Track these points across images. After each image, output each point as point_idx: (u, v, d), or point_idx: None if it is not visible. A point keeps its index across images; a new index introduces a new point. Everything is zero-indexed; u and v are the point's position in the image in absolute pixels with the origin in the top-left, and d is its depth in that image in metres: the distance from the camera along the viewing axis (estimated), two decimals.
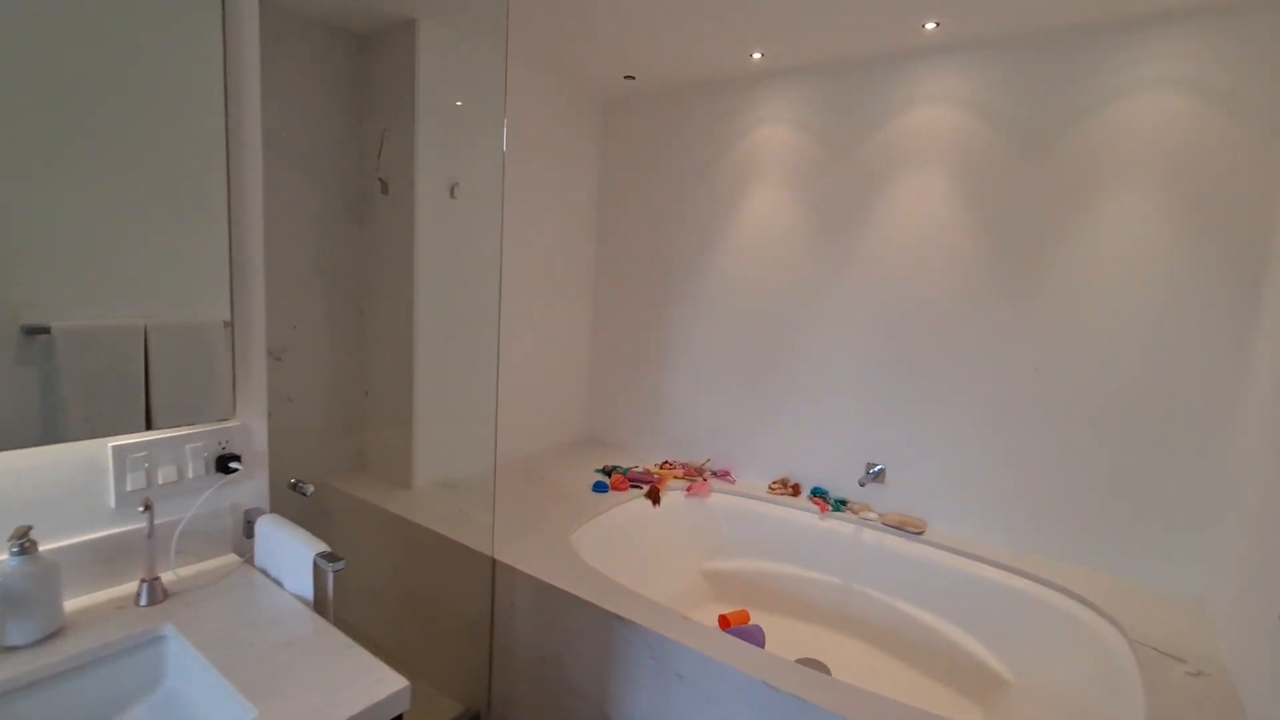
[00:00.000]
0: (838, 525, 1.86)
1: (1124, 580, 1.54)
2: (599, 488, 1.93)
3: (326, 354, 1.76)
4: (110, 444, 0.85)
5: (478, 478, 1.93)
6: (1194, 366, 1.45)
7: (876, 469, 1.86)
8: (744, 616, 1.85)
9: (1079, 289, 1.58)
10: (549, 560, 1.46)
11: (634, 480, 2.02)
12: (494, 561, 1.46)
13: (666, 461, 2.19)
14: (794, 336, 2.00)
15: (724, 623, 1.82)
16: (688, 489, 2.02)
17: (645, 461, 2.24)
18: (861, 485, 1.76)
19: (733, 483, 2.09)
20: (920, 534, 1.76)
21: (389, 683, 0.72)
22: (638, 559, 1.80)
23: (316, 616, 0.84)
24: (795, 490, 2.01)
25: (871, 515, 1.85)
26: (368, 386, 1.85)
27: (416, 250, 1.68)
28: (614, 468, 2.09)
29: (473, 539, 1.52)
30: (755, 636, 1.64)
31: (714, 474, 2.14)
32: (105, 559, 0.85)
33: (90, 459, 0.84)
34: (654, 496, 1.96)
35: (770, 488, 2.03)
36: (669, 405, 2.28)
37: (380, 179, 1.71)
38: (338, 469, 1.84)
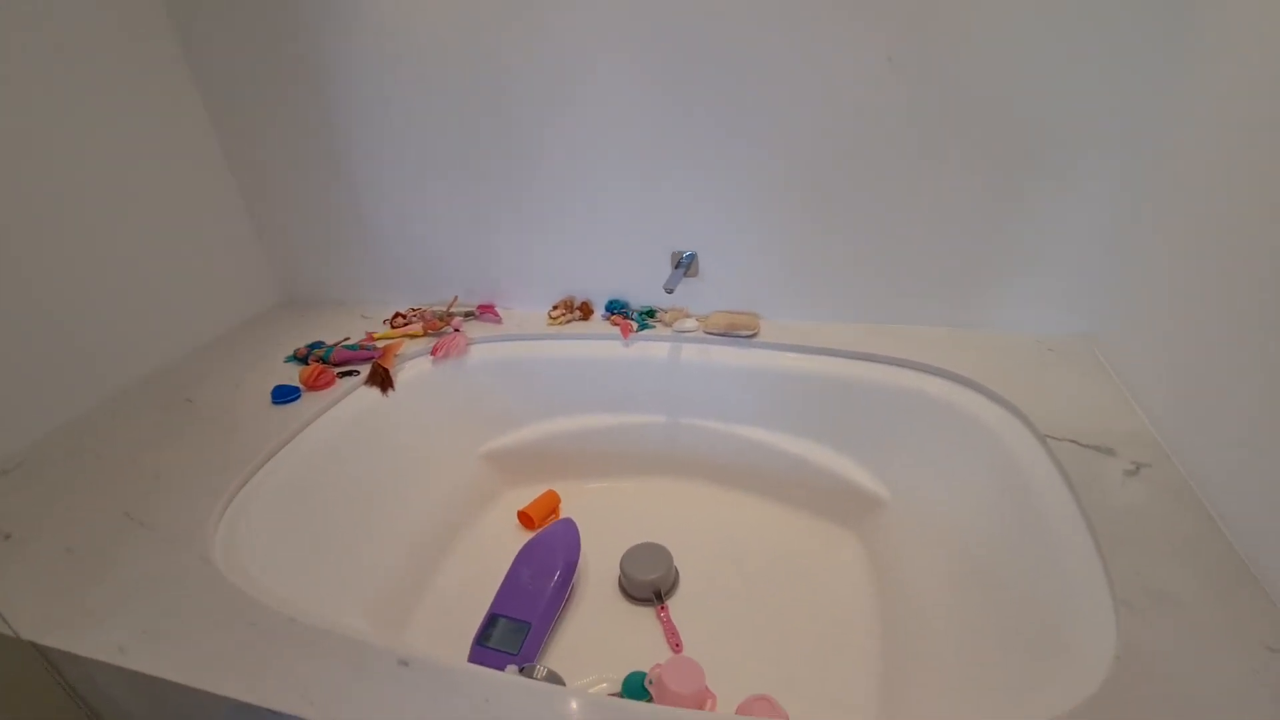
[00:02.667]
0: (649, 347, 1.34)
1: (1002, 338, 1.20)
2: (282, 396, 1.20)
3: None
4: None
5: (56, 440, 1.11)
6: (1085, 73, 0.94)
7: (687, 256, 1.30)
8: (550, 503, 1.36)
9: None
10: (159, 600, 0.78)
11: (342, 363, 1.30)
12: (37, 650, 0.75)
13: (398, 314, 1.46)
14: (531, 100, 1.22)
15: (527, 521, 1.32)
16: (433, 350, 1.35)
17: (374, 319, 1.50)
18: (670, 291, 1.20)
19: (499, 321, 1.44)
20: (754, 335, 1.28)
21: None
22: (371, 486, 1.17)
23: None
24: (586, 311, 1.42)
25: (690, 324, 1.33)
26: None
27: None
28: (313, 348, 1.34)
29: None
30: (561, 546, 1.15)
31: (470, 315, 1.46)
32: None
33: None
34: (381, 380, 1.28)
35: (551, 316, 1.42)
36: (379, 234, 1.47)
37: None
38: None
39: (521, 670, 0.89)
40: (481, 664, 1.00)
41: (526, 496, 1.37)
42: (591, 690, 0.99)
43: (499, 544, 1.26)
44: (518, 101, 1.23)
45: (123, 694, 0.77)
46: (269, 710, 0.65)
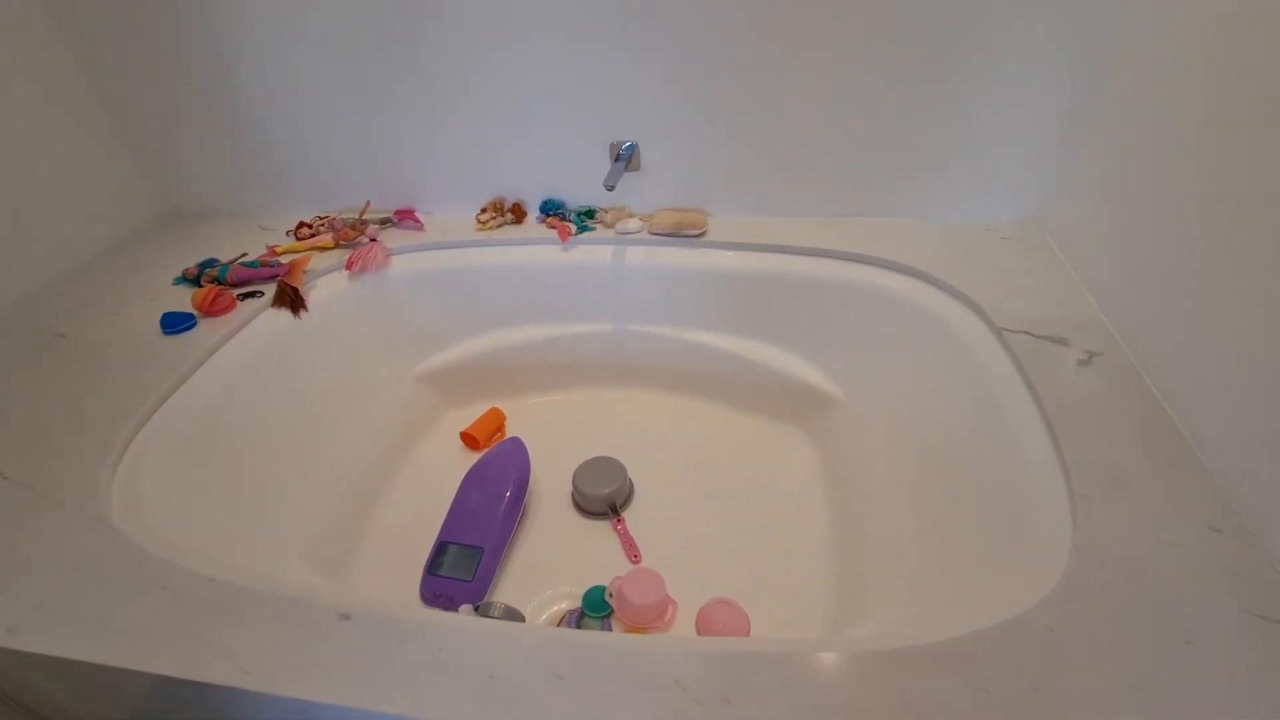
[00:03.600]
0: (590, 251, 1.24)
1: (955, 228, 1.16)
2: (174, 325, 1.05)
3: None
4: None
5: None
6: None
7: (626, 148, 1.17)
8: (495, 421, 1.29)
9: None
10: (51, 570, 0.69)
11: (241, 283, 1.15)
12: None
13: (303, 225, 1.29)
14: None
15: (472, 443, 1.25)
16: (348, 264, 1.21)
17: (276, 230, 1.32)
18: (610, 188, 1.08)
19: (421, 228, 1.30)
20: (702, 234, 1.20)
21: None
22: (294, 420, 1.07)
23: None
24: (518, 214, 1.29)
25: (633, 224, 1.22)
26: None
27: None
28: (205, 267, 1.17)
29: None
30: (510, 466, 1.10)
31: (387, 222, 1.31)
32: None
33: None
34: (291, 301, 1.14)
35: (479, 220, 1.28)
36: (271, 132, 1.26)
37: None
38: None
39: (477, 609, 0.86)
40: (434, 594, 0.97)
41: (469, 417, 1.30)
42: (553, 608, 0.98)
43: (444, 469, 1.20)
44: None
45: (35, 677, 0.68)
46: (197, 683, 0.59)
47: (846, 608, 0.92)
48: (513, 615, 0.87)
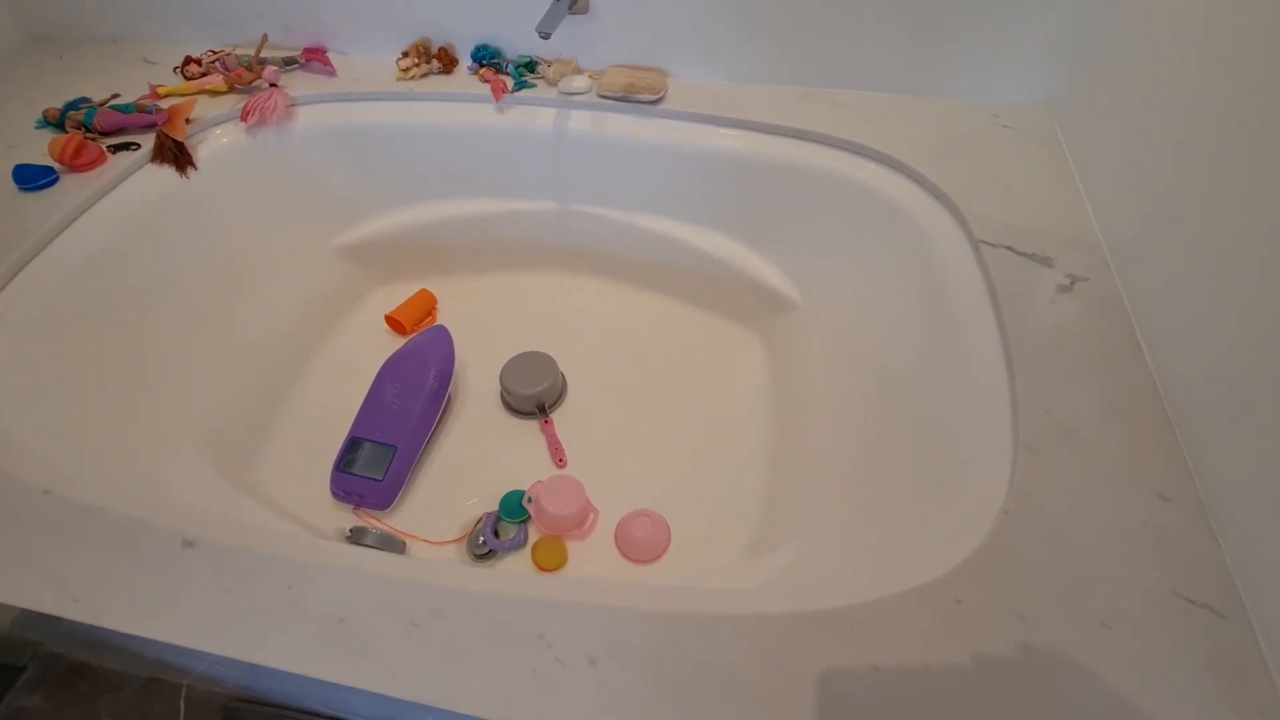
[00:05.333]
0: (530, 114, 1.06)
1: (953, 107, 0.99)
2: (30, 179, 0.89)
3: None
4: None
5: None
6: None
7: None
8: (425, 304, 1.18)
9: None
10: None
11: (113, 131, 0.97)
12: None
13: (190, 60, 1.08)
14: None
15: (398, 327, 1.16)
16: (242, 114, 1.03)
17: (163, 65, 1.11)
18: (545, 36, 0.89)
19: (332, 72, 1.10)
20: (659, 100, 1.02)
21: None
22: (185, 296, 0.96)
23: None
24: (446, 61, 1.09)
25: (579, 83, 1.04)
26: None
27: None
28: (71, 108, 0.99)
29: None
30: (433, 358, 1.01)
31: (292, 63, 1.10)
32: None
33: None
34: (175, 156, 0.97)
35: (401, 67, 1.08)
36: None
37: None
38: None
39: (351, 533, 0.81)
40: (345, 491, 0.92)
41: (396, 297, 1.18)
42: (469, 512, 0.94)
43: (366, 354, 1.10)
44: None
45: None
46: (23, 610, 0.53)
47: (771, 527, 0.88)
48: (390, 545, 0.82)
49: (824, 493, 0.83)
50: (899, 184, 0.91)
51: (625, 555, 0.88)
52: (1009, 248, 0.78)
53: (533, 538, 0.91)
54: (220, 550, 0.56)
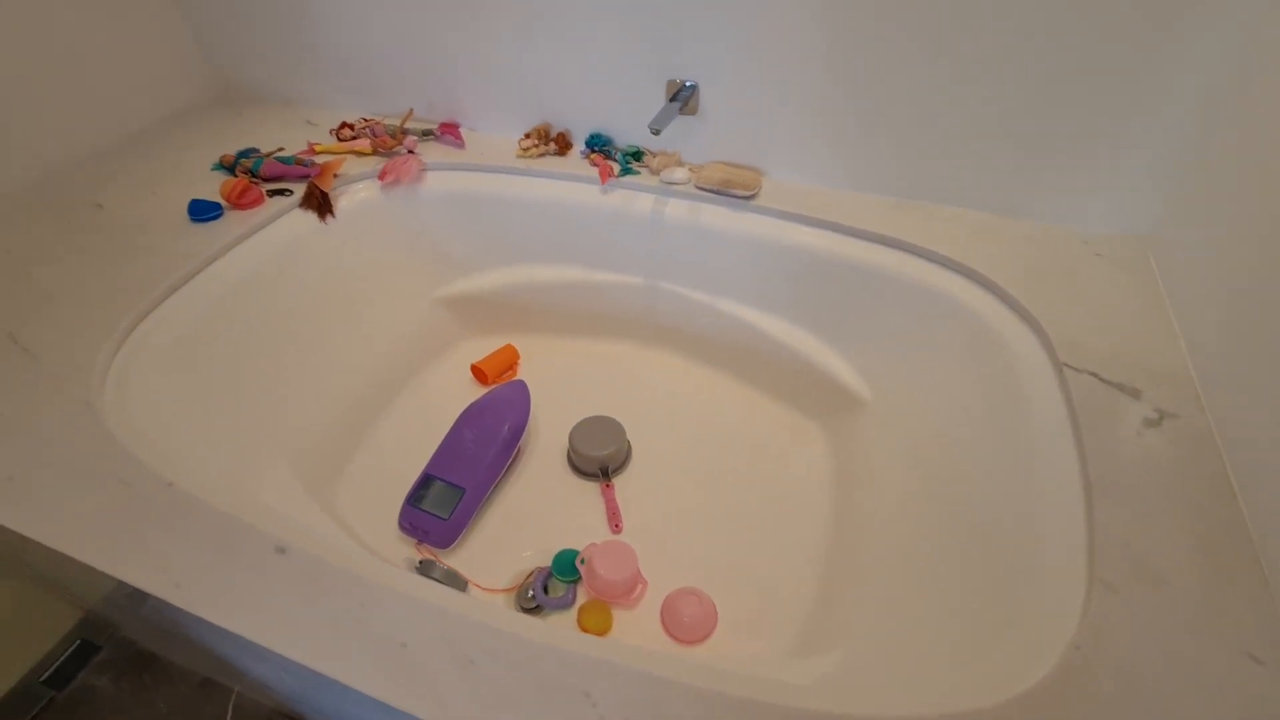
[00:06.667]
0: (630, 197, 1.15)
1: (1045, 231, 1.00)
2: (201, 212, 1.04)
3: None
4: None
5: None
6: None
7: (688, 87, 1.06)
8: (508, 358, 1.26)
9: None
10: (30, 443, 0.70)
11: (273, 178, 1.12)
12: None
13: (346, 125, 1.25)
14: None
15: (481, 376, 1.23)
16: (381, 174, 1.16)
17: (320, 127, 1.28)
18: (656, 132, 0.98)
19: (461, 145, 1.23)
20: (752, 196, 1.08)
21: None
22: (303, 327, 1.06)
23: None
24: (562, 144, 1.21)
25: (680, 174, 1.12)
26: None
27: None
28: (243, 155, 1.15)
29: None
30: (509, 410, 1.07)
31: (429, 135, 1.25)
32: None
33: None
34: (319, 204, 1.11)
35: (522, 145, 1.21)
36: (330, 22, 1.20)
37: None
38: None
39: (420, 566, 0.85)
40: (411, 525, 0.97)
41: (483, 349, 1.27)
42: (524, 554, 0.96)
43: (448, 397, 1.18)
44: None
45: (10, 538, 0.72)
46: (117, 587, 0.59)
47: (821, 624, 0.86)
48: (454, 580, 0.85)
49: (879, 597, 0.81)
50: (982, 298, 0.92)
51: (670, 632, 0.88)
52: (1094, 374, 0.77)
53: (580, 599, 0.92)
54: (307, 560, 0.61)
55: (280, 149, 1.19)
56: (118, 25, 1.19)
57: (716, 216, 1.11)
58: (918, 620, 0.73)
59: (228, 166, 1.15)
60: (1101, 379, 0.76)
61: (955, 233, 1.00)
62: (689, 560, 0.96)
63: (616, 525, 1.02)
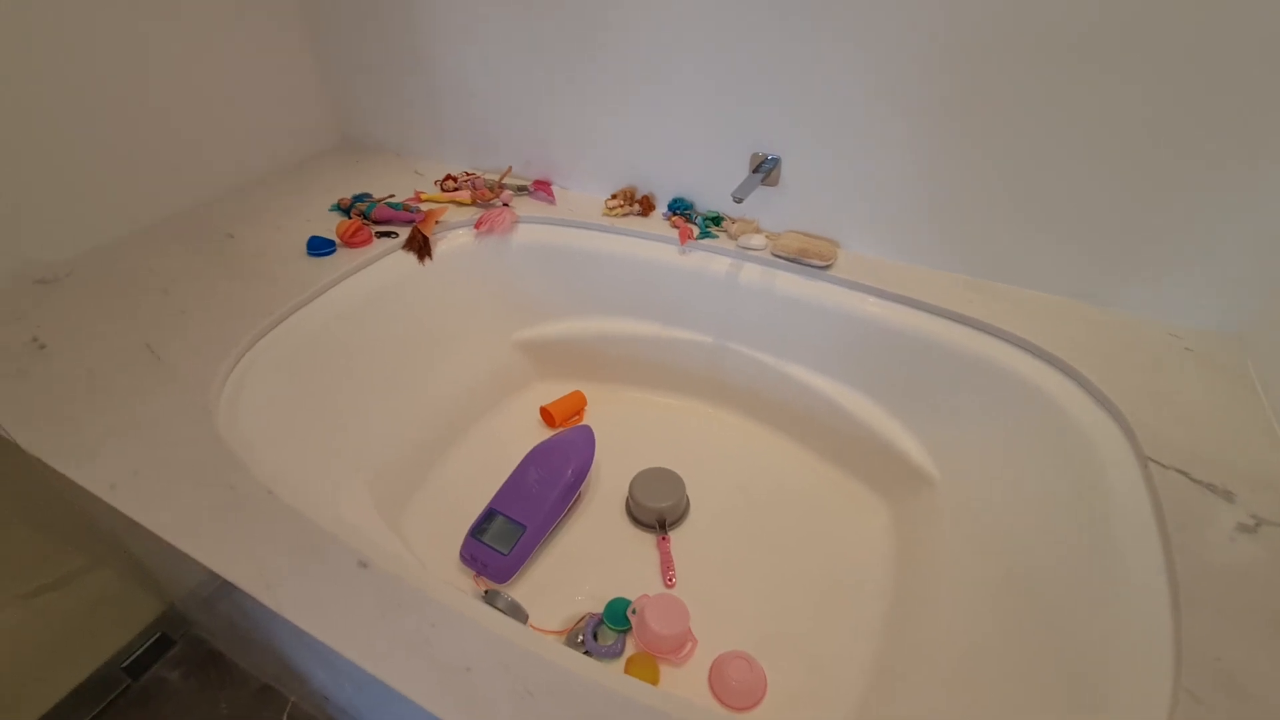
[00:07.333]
0: (707, 259, 1.19)
1: (1130, 321, 0.98)
2: (317, 248, 1.15)
3: None
4: None
5: (101, 256, 1.12)
6: None
7: (770, 160, 1.11)
8: (575, 404, 1.30)
9: None
10: (155, 442, 0.78)
11: (383, 221, 1.23)
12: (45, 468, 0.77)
13: (450, 177, 1.36)
14: None
15: (549, 419, 1.27)
16: (477, 223, 1.26)
17: (427, 177, 1.41)
18: (738, 201, 1.03)
19: (552, 201, 1.32)
20: (827, 267, 1.11)
21: None
22: (393, 357, 1.14)
23: None
24: (646, 207, 1.27)
25: (757, 241, 1.16)
26: None
27: None
28: (358, 199, 1.27)
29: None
30: (574, 454, 1.10)
31: (523, 190, 1.34)
32: None
33: None
34: (420, 247, 1.21)
35: (608, 205, 1.28)
36: (441, 85, 1.34)
37: None
38: None
39: (485, 594, 0.87)
40: (471, 556, 1.00)
41: (553, 392, 1.32)
42: (576, 598, 0.98)
43: (516, 436, 1.23)
44: None
45: (120, 527, 0.79)
46: (231, 584, 0.64)
47: (874, 708, 0.83)
48: (516, 611, 0.87)
49: (940, 688, 0.78)
50: (1061, 384, 0.91)
51: (717, 695, 0.87)
52: (1183, 472, 0.74)
53: (629, 650, 0.92)
54: (385, 577, 0.64)
55: (391, 195, 1.30)
56: (264, 84, 1.35)
57: (790, 283, 1.14)
58: (984, 706, 0.70)
59: (344, 208, 1.26)
60: (1191, 478, 0.73)
61: (1033, 316, 0.99)
62: (740, 623, 0.95)
63: (670, 579, 1.02)
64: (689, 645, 0.92)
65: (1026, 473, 0.90)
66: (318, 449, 0.94)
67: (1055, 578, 0.77)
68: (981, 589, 0.85)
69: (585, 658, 0.60)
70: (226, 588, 0.67)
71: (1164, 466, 0.75)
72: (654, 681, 0.88)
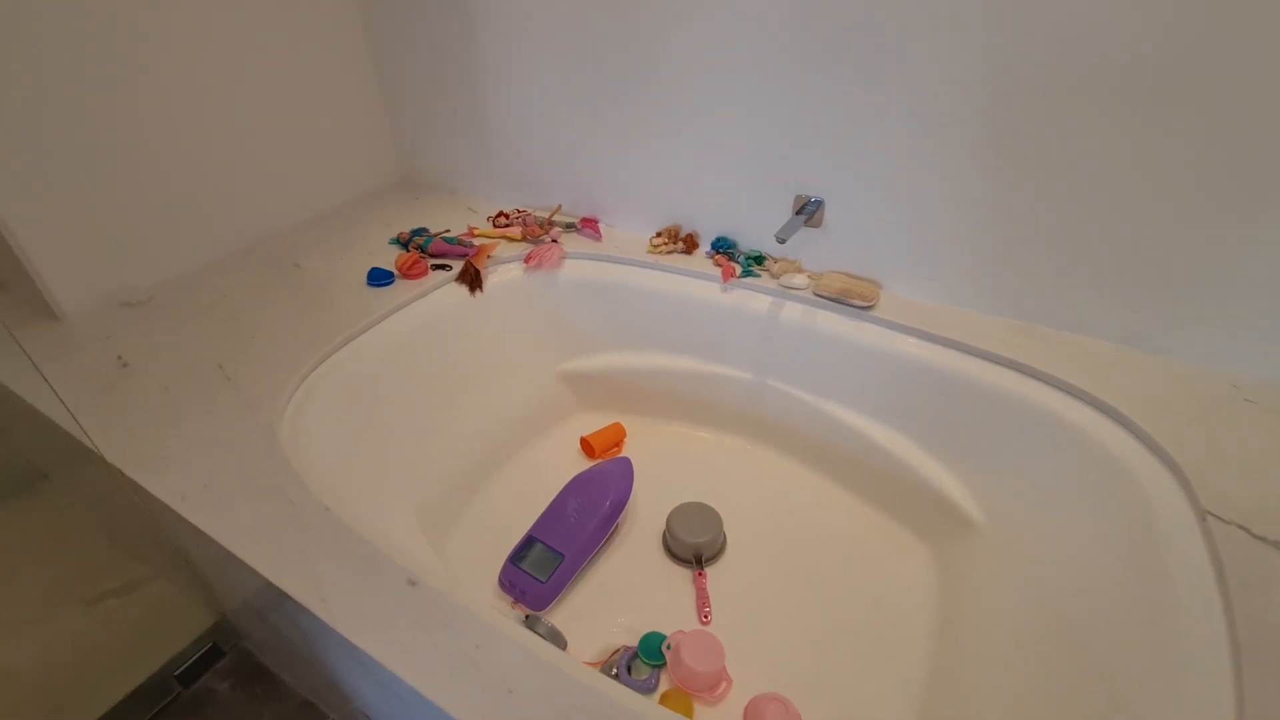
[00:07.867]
0: (749, 297, 1.21)
1: (1186, 370, 0.96)
2: (377, 279, 1.21)
3: None
4: None
5: (180, 283, 1.21)
6: None
7: (814, 202, 1.14)
8: (615, 435, 1.32)
9: None
10: (223, 456, 0.83)
11: (438, 255, 1.29)
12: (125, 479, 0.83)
13: (502, 214, 1.42)
14: (661, 7, 1.07)
15: (588, 450, 1.30)
16: (526, 258, 1.31)
17: (480, 213, 1.47)
18: (782, 241, 1.05)
19: (599, 238, 1.37)
20: (869, 307, 1.12)
21: None
22: (443, 384, 1.18)
23: None
24: (690, 244, 1.31)
25: (799, 280, 1.18)
26: None
27: None
28: (415, 234, 1.34)
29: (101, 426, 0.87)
30: (613, 485, 1.12)
31: (571, 227, 1.40)
32: None
33: None
34: (471, 280, 1.26)
35: (653, 243, 1.32)
36: (500, 128, 1.41)
37: None
38: None
39: (526, 619, 0.88)
40: (510, 582, 1.01)
41: (594, 424, 1.34)
42: (611, 629, 0.98)
43: (556, 465, 1.25)
44: (647, 6, 1.09)
45: (185, 537, 0.83)
46: (288, 595, 0.67)
47: None
48: (556, 638, 0.88)
49: None
50: (1113, 432, 0.89)
51: None
52: (1244, 528, 0.71)
53: (662, 686, 0.92)
54: (433, 595, 0.67)
55: (446, 230, 1.37)
56: (339, 125, 1.45)
57: (831, 323, 1.14)
58: None
59: (403, 242, 1.33)
60: (1253, 534, 0.71)
61: (1082, 361, 0.97)
62: (776, 664, 0.94)
63: (706, 615, 1.01)
64: (724, 684, 0.91)
65: (1075, 520, 0.88)
66: (370, 468, 0.98)
67: (1107, 631, 0.74)
68: (1029, 638, 0.83)
69: (625, 689, 0.61)
70: (280, 600, 0.70)
71: (1224, 521, 0.72)
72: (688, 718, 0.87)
